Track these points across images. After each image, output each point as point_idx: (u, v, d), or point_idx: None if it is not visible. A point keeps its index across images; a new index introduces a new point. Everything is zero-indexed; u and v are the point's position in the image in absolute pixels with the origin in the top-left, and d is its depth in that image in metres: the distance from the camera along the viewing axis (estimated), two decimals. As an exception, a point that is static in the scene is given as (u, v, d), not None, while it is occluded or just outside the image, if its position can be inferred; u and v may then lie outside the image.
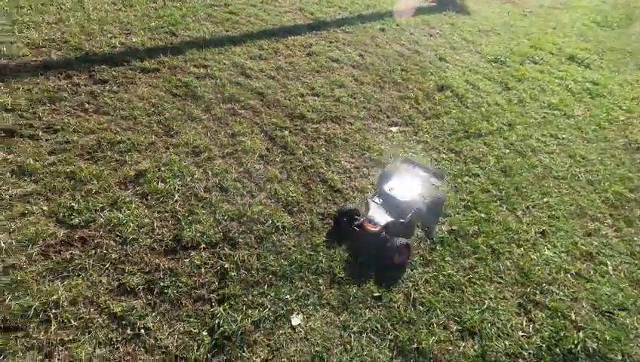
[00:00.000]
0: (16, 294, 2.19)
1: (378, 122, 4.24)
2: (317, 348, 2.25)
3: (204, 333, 2.21)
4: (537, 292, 2.73)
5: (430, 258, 2.87)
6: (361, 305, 2.50)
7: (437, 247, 2.96)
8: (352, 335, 2.34)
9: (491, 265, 2.88)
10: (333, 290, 2.56)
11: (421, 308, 2.53)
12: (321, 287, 2.56)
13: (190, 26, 5.12)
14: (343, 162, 3.62)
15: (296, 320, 2.36)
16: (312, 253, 2.76)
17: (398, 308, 2.52)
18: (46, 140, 3.16)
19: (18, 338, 2.03)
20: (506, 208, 3.41)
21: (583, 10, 9.29)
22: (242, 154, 3.44)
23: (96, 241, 2.54)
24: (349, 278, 2.62)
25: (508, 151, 4.13)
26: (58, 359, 1.98)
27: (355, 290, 2.56)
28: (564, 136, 4.52)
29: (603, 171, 4.00)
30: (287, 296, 2.49)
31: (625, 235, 3.26)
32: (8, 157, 2.93)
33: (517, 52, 6.33)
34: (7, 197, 2.68)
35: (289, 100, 4.22)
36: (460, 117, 4.52)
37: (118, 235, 2.59)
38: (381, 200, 2.96)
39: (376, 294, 2.57)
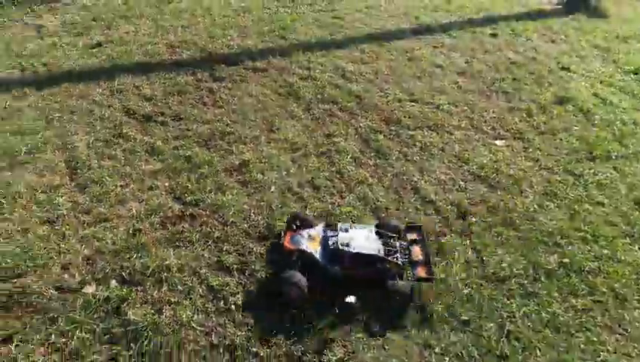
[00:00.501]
0: (139, 254, 2.59)
1: (481, 133, 3.93)
2: (394, 360, 2.17)
3: (287, 323, 2.31)
4: (676, 356, 2.21)
5: (532, 290, 2.55)
6: (445, 326, 2.34)
7: (542, 280, 2.61)
8: (432, 355, 2.21)
9: (612, 311, 2.43)
10: (415, 305, 2.45)
11: (517, 343, 2.26)
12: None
13: (298, 30, 5.44)
14: (438, 172, 3.45)
15: (375, 328, 2.32)
16: (397, 261, 2.68)
17: (489, 337, 2.29)
18: (172, 127, 3.67)
19: (137, 291, 2.40)
20: (639, 247, 2.85)
21: None
22: (335, 154, 3.52)
23: (202, 219, 2.85)
24: (434, 292, 2.48)
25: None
26: (165, 316, 2.28)
27: (440, 309, 2.41)
28: None
29: None
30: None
31: None
32: (145, 138, 3.49)
33: (668, 62, 5.25)
34: (141, 171, 3.19)
35: (386, 105, 4.18)
36: (583, 135, 3.93)
37: (221, 216, 2.88)
38: (337, 238, 2.43)
39: (464, 318, 2.38)
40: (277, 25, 5.49)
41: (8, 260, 2.46)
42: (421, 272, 2.45)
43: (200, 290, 2.44)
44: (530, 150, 3.75)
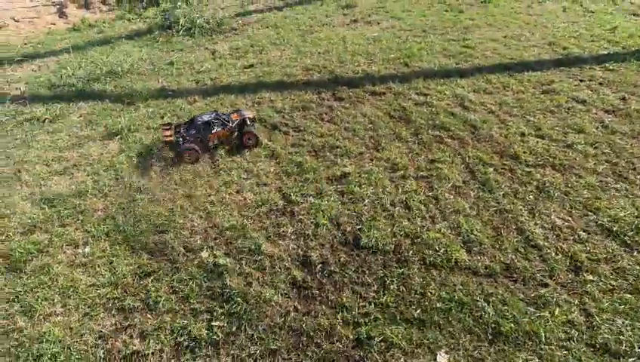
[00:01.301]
0: (244, 235, 3.12)
1: (625, 183, 3.32)
2: None
3: (349, 330, 2.44)
4: None
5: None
6: (524, 384, 2.10)
7: (676, 370, 2.07)
8: (500, 409, 2.01)
9: None
10: (492, 348, 2.26)
11: None
12: (479, 338, 2.31)
13: (423, 58, 5.58)
14: (553, 217, 3.08)
15: (442, 357, 2.24)
16: (479, 299, 2.53)
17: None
18: (292, 136, 4.26)
19: (236, 264, 2.90)
20: None
21: None
22: (436, 180, 3.50)
23: (299, 217, 3.25)
24: (517, 342, 2.24)
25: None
26: (253, 290, 2.70)
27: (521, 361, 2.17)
28: None
29: None
30: (439, 330, 2.39)
31: None
32: (269, 143, 4.16)
33: None
34: (260, 170, 3.82)
35: (504, 137, 3.93)
36: None
37: (314, 218, 3.22)
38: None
39: (550, 382, 2.08)
40: (403, 53, 5.75)
41: (159, 220, 3.31)
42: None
43: (283, 278, 2.80)
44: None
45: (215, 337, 2.47)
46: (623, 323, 2.32)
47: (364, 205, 3.31)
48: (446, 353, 2.27)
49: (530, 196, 3.27)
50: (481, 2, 7.58)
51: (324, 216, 3.22)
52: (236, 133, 4.05)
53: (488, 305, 2.50)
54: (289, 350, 2.40)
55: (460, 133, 4.04)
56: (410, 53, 5.71)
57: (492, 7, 7.25)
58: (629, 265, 2.66)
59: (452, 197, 3.32)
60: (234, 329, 2.51)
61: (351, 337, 2.42)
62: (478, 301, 2.52)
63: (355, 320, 2.52)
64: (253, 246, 3.01)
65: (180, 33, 7.03)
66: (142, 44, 6.77)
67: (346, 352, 2.35)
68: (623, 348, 2.19)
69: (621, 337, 2.25)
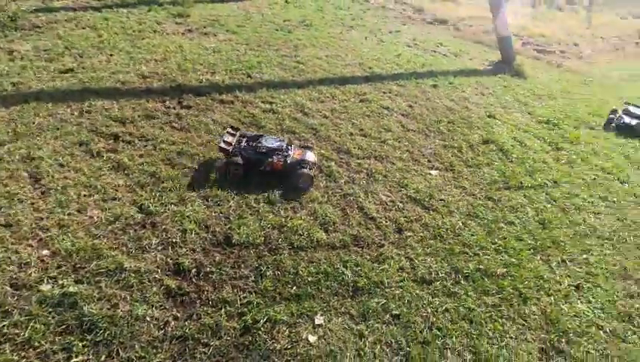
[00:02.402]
0: (96, 256, 2.76)
1: (419, 165, 4.58)
2: (333, 347, 2.47)
3: (235, 321, 2.56)
4: (563, 341, 2.71)
5: (453, 290, 3.01)
6: (379, 319, 2.70)
7: (461, 281, 3.09)
8: (367, 344, 2.54)
9: (516, 307, 2.93)
10: (354, 301, 2.80)
11: (438, 332, 2.66)
12: (344, 296, 2.82)
13: (263, 70, 6.07)
14: (380, 195, 3.97)
15: (318, 320, 2.62)
16: (340, 266, 3.06)
17: (415, 328, 2.67)
18: (139, 146, 3.95)
19: (93, 289, 2.55)
20: (540, 258, 3.45)
21: (654, 83, 9.11)
22: (291, 176, 3.95)
23: (163, 227, 3.10)
24: (370, 291, 2.85)
25: (549, 206, 4.18)
26: (121, 311, 2.45)
27: (374, 304, 2.78)
28: (614, 199, 4.45)
29: (655, 234, 3.86)
30: (313, 299, 2.78)
31: (673, 304, 3.10)
32: (112, 155, 3.73)
33: (572, 116, 6.42)
34: (106, 184, 3.40)
35: (339, 137, 4.76)
36: (501, 169, 4.70)
37: (180, 225, 3.14)
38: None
39: (395, 312, 2.76)
40: (244, 65, 6.10)
41: (-37, 259, 2.55)
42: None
43: (155, 289, 2.65)
44: (459, 180, 4.42)
45: (79, 374, 2.14)
46: (431, 260, 3.26)
47: (230, 206, 3.44)
48: (321, 315, 2.67)
49: (363, 181, 4.11)
50: (305, 26, 8.74)
51: (190, 222, 3.18)
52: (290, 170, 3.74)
53: (346, 269, 3.06)
54: (175, 358, 2.32)
55: (305, 135, 4.65)
56: (251, 65, 6.11)
57: (314, 31, 8.46)
58: (429, 221, 3.72)
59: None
60: (103, 358, 2.23)
61: (237, 327, 2.54)
62: (338, 268, 3.05)
63: (239, 311, 2.64)
64: (112, 266, 2.70)
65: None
66: None
67: (235, 342, 2.45)
68: (433, 276, 3.10)
69: (431, 270, 3.17)
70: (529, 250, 3.51)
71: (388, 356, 2.49)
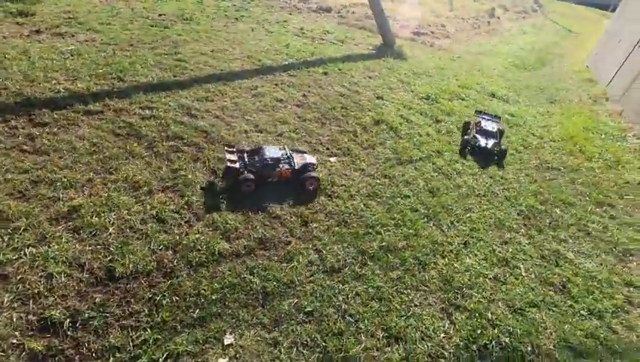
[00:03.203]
0: None
1: (319, 153, 4.56)
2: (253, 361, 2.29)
3: None
4: (459, 296, 2.96)
5: (361, 272, 3.06)
6: (292, 321, 2.60)
7: (368, 262, 3.16)
8: (282, 351, 2.41)
9: (417, 275, 3.11)
10: (265, 309, 2.64)
11: (350, 319, 2.67)
12: (254, 306, 2.64)
13: (139, 72, 5.38)
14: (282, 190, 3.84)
15: (228, 339, 2.40)
16: (246, 275, 2.86)
17: (329, 321, 2.63)
18: (-25, 181, 3.13)
19: None
20: (433, 224, 3.73)
21: (504, 56, 10.68)
22: (183, 187, 3.57)
23: (18, 278, 2.50)
24: (281, 293, 2.73)
25: (436, 174, 4.56)
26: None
27: (286, 307, 2.66)
28: (486, 160, 5.06)
29: (518, 188, 4.50)
30: (220, 318, 2.54)
31: (536, 242, 3.65)
32: None
33: (447, 90, 7.13)
34: None
35: (233, 136, 4.47)
36: (393, 147, 4.97)
37: (43, 270, 2.57)
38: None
39: (308, 309, 2.68)
40: (114, 67, 5.32)
41: None
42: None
43: (14, 359, 2.12)
44: (357, 162, 4.54)
45: None
46: (338, 248, 3.27)
47: (110, 234, 2.94)
48: (230, 334, 2.45)
49: (263, 179, 3.92)
50: (184, 20, 8.03)
51: (57, 263, 2.62)
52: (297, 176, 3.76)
53: (254, 276, 2.87)
54: None
55: (195, 140, 4.25)
56: (123, 68, 5.36)
57: (195, 25, 7.83)
58: (333, 208, 3.73)
59: (202, 198, 3.50)
60: None
61: (132, 374, 2.18)
62: (245, 277, 2.85)
63: (132, 354, 2.27)
64: (-56, 344, 2.07)
65: None
66: None
67: (131, 392, 2.10)
68: (342, 263, 3.11)
69: (339, 257, 3.17)
70: (423, 219, 3.77)
71: (305, 356, 2.41)
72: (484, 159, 4.90)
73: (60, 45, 5.63)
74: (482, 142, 5.08)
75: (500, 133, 5.32)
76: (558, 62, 10.69)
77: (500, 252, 3.46)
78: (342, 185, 4.08)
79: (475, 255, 3.40)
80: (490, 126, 5.36)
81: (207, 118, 4.70)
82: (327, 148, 4.69)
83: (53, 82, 4.69)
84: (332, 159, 4.51)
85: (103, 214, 3.08)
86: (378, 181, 4.26)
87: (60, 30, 6.19)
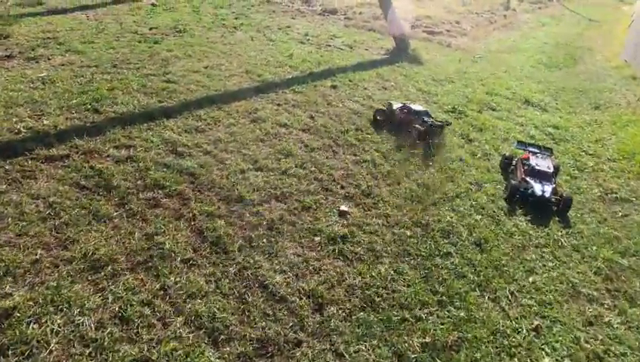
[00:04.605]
0: None
1: (332, 195, 3.63)
2: None
3: None
4: None
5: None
6: None
7: (409, 374, 2.23)
8: None
9: (480, 392, 2.17)
10: None
11: None
12: None
13: (119, 99, 4.52)
14: (289, 254, 2.93)
15: None
16: (239, 412, 1.97)
17: None
18: None
19: None
20: (488, 297, 2.77)
21: (529, 52, 9.53)
22: (159, 261, 2.69)
23: None
24: None
25: (479, 217, 3.58)
26: None
27: None
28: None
29: (586, 232, 3.49)
30: None
31: (631, 321, 2.65)
32: None
33: (474, 100, 6.10)
34: None
35: (226, 179, 3.57)
36: (422, 179, 4.00)
37: None
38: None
39: None
40: (90, 96, 4.47)
41: None
42: None
43: None
44: (380, 205, 3.58)
45: None
46: (365, 348, 2.34)
47: (50, 352, 2.08)
48: None
49: (264, 240, 3.02)
50: (177, 32, 7.17)
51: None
52: None
53: (250, 412, 1.97)
54: None
55: (178, 188, 3.36)
56: (100, 96, 4.51)
57: (188, 37, 6.96)
58: (354, 279, 2.80)
59: (183, 278, 2.61)
60: None
61: None
62: (237, 416, 1.95)
63: None
64: None
65: None
66: None
67: None
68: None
69: (368, 364, 2.24)
70: (474, 289, 2.81)
71: None
72: (540, 210, 3.68)
73: (30, 73, 4.82)
74: (537, 188, 3.70)
75: (556, 171, 4.06)
76: (590, 58, 9.48)
77: (586, 341, 2.49)
78: (363, 242, 3.14)
79: (554, 349, 2.43)
80: (542, 164, 3.94)
81: (195, 156, 3.81)
82: (342, 188, 3.75)
83: (14, 120, 3.86)
84: (343, 207, 3.49)
85: (45, 317, 2.22)
86: (409, 232, 3.30)
87: (36, 53, 5.38)
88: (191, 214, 3.13)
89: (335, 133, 4.61)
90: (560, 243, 3.32)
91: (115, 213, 3.01)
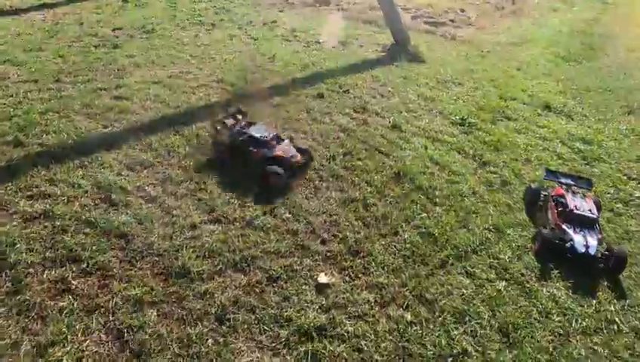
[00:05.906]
0: None
1: (308, 256, 2.71)
2: None
3: None
4: None
5: None
6: None
7: None
8: None
9: None
10: None
11: None
12: None
13: (51, 126, 3.58)
14: (245, 358, 2.04)
15: None
16: None
17: None
18: None
19: None
20: None
21: (542, 43, 8.33)
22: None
23: None
24: None
25: (503, 285, 2.64)
26: None
27: None
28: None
29: (649, 305, 2.55)
30: None
31: None
32: None
33: (486, 107, 5.05)
34: None
35: (169, 240, 2.65)
36: (426, 226, 3.05)
37: None
38: None
39: None
40: (15, 123, 3.54)
41: None
42: None
43: None
44: (371, 270, 2.66)
45: None
46: None
47: None
48: None
49: (209, 341, 2.12)
50: (145, 32, 6.14)
51: None
52: None
53: None
54: None
55: (101, 259, 2.45)
56: (29, 121, 3.58)
57: (156, 39, 5.93)
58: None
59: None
60: None
61: None
62: None
63: None
64: None
65: None
66: None
67: None
68: None
69: None
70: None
71: None
72: (582, 270, 2.71)
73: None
74: (578, 241, 2.72)
75: (598, 211, 3.01)
76: (610, 47, 8.28)
77: None
78: (348, 337, 2.23)
79: None
80: (583, 206, 2.91)
81: (134, 206, 2.88)
82: (323, 243, 2.82)
83: None
84: (322, 279, 2.57)
85: None
86: (410, 316, 2.38)
87: (-36, 66, 4.44)
88: (110, 304, 2.22)
89: (318, 161, 3.65)
90: (616, 327, 2.39)
91: (0, 310, 2.11)
